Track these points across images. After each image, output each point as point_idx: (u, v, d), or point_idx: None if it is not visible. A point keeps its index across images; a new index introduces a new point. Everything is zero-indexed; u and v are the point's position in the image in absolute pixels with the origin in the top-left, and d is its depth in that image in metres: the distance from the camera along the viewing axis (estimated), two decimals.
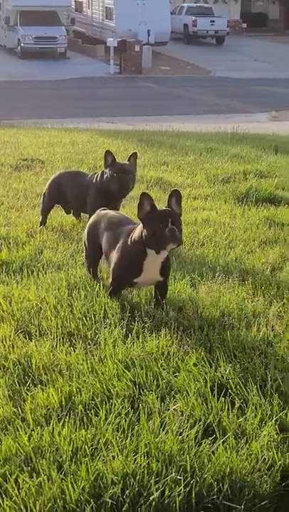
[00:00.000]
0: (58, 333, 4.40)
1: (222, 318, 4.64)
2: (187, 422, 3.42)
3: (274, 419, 3.45)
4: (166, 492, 2.96)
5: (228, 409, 3.53)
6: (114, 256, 4.77)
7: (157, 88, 30.80)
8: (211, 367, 3.96)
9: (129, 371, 3.90)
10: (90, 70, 35.45)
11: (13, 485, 2.99)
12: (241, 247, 6.24)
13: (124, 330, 4.40)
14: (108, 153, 6.10)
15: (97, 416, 3.49)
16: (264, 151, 12.14)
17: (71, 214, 6.98)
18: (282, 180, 9.24)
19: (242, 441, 3.30)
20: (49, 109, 22.91)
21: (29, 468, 3.11)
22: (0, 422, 3.46)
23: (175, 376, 3.87)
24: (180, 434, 3.31)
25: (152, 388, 3.74)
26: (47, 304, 4.83)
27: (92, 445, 3.27)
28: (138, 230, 4.60)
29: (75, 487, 2.97)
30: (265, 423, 3.43)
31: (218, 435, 3.33)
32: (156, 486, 2.98)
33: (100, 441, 3.27)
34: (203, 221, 7.12)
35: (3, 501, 2.93)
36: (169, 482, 3.00)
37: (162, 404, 3.61)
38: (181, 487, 2.98)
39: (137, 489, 2.97)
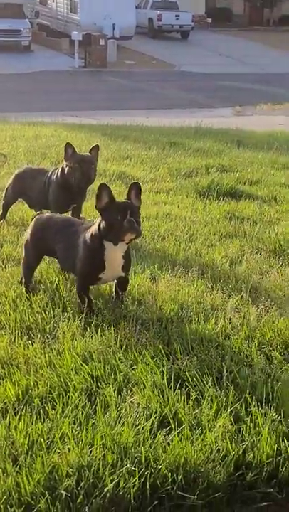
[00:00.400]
0: (16, 327, 4.41)
1: (181, 311, 4.67)
2: (143, 414, 3.45)
3: (229, 410, 3.49)
4: (121, 483, 2.99)
5: (184, 401, 3.57)
6: (76, 256, 4.71)
7: (122, 82, 30.76)
8: (168, 359, 3.99)
9: (87, 364, 3.92)
10: (55, 63, 35.25)
11: None
12: (201, 240, 6.28)
13: (82, 323, 4.41)
14: (68, 145, 6.07)
15: (54, 409, 3.51)
16: (227, 145, 12.21)
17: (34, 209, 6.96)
18: (243, 174, 9.32)
19: (197, 433, 3.34)
20: (13, 103, 22.74)
21: None
22: None
23: (133, 369, 3.90)
24: (136, 426, 3.34)
25: (110, 381, 3.77)
26: (6, 298, 4.83)
27: (48, 438, 3.28)
28: (95, 224, 4.59)
29: (30, 480, 2.99)
30: (221, 414, 3.47)
31: (173, 427, 3.37)
32: (111, 478, 3.00)
33: (56, 434, 3.29)
34: (165, 215, 7.16)
35: None
36: (123, 473, 3.03)
37: (119, 396, 3.64)
38: (136, 478, 3.01)
39: (91, 481, 2.99)
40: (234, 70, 35.66)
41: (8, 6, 38.44)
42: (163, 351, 4.06)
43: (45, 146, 11.31)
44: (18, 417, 3.42)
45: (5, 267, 5.40)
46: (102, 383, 3.75)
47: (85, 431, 3.29)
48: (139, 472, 3.04)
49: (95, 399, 3.62)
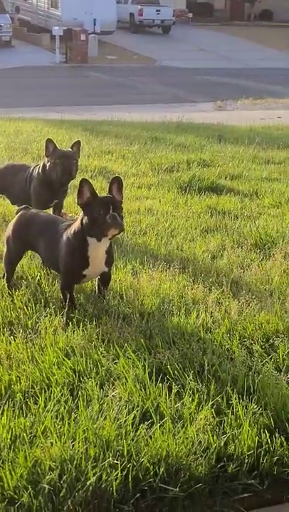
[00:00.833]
0: None
1: (162, 305, 4.70)
2: (125, 408, 3.47)
3: (210, 403, 3.52)
4: (104, 476, 3.01)
5: (166, 394, 3.60)
6: (59, 254, 4.70)
7: (103, 77, 30.72)
8: (150, 353, 4.02)
9: (69, 359, 3.93)
10: (36, 58, 35.14)
11: None
12: (183, 235, 6.31)
13: (64, 318, 4.42)
14: (49, 141, 6.06)
15: (37, 404, 3.53)
16: (208, 140, 12.24)
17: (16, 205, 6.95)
18: (224, 169, 9.35)
19: (179, 426, 3.36)
20: None
21: None
22: None
23: (114, 363, 3.92)
24: (118, 420, 3.36)
25: (92, 375, 3.79)
26: None
27: (30, 432, 3.30)
28: (77, 221, 4.58)
29: (13, 474, 3.00)
30: (202, 407, 3.50)
31: (155, 420, 3.39)
32: (94, 471, 3.02)
33: (39, 428, 3.30)
34: (146, 210, 7.18)
35: None
36: (106, 467, 3.05)
37: (101, 391, 3.65)
38: (118, 471, 3.03)
39: (74, 474, 3.01)
40: (215, 64, 35.72)
41: None
42: (145, 345, 4.08)
43: (26, 142, 11.29)
44: (0, 412, 3.43)
45: None
46: (84, 378, 3.77)
47: (67, 425, 3.31)
48: (121, 465, 3.06)
49: (77, 393, 3.64)
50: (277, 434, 3.36)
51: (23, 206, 5.23)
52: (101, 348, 4.06)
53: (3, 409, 3.45)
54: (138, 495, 3.00)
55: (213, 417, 3.44)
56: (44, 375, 3.78)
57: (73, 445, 3.17)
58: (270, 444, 3.30)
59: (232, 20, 55.80)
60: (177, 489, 3.02)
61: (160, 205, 7.41)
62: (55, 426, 3.32)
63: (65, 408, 3.47)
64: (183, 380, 3.75)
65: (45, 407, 3.48)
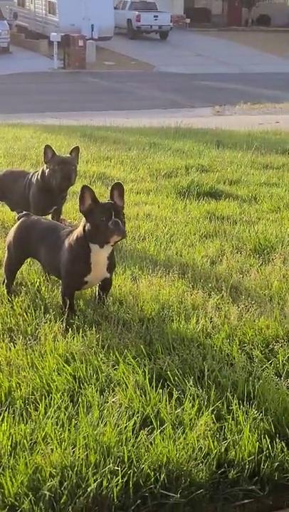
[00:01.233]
0: None
1: (162, 311, 4.70)
2: (126, 414, 3.47)
3: (211, 408, 3.52)
4: (104, 483, 3.01)
5: (166, 400, 3.60)
6: (60, 260, 4.71)
7: (101, 83, 30.76)
8: (150, 359, 4.02)
9: (69, 365, 3.93)
10: (34, 64, 35.20)
11: None
12: (182, 241, 6.31)
13: (64, 325, 4.42)
14: (48, 147, 6.07)
15: (37, 410, 3.53)
16: (206, 145, 12.25)
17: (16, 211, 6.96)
18: (223, 174, 9.36)
19: (179, 432, 3.36)
20: None
21: None
22: None
23: (114, 369, 3.92)
24: (118, 426, 3.36)
25: (92, 382, 3.79)
26: None
27: (31, 439, 3.30)
28: (79, 227, 4.58)
29: (14, 481, 3.00)
30: (202, 413, 3.50)
31: (155, 426, 3.39)
32: (94, 478, 3.02)
33: (39, 435, 3.30)
34: (145, 215, 7.18)
35: None
36: (106, 473, 3.05)
37: (101, 397, 3.65)
38: (119, 477, 3.03)
39: (75, 481, 3.01)
40: (213, 69, 35.81)
41: None
42: (144, 351, 4.08)
43: (25, 148, 11.31)
44: (0, 418, 3.43)
45: None
46: (85, 384, 3.77)
47: (67, 431, 3.31)
48: (122, 472, 3.06)
49: (78, 399, 3.63)
50: (277, 440, 3.36)
51: (24, 213, 5.23)
52: (101, 354, 4.06)
53: (4, 416, 3.45)
54: (139, 501, 3.00)
55: (213, 422, 3.44)
56: (44, 381, 3.78)
57: (74, 452, 3.17)
58: (270, 449, 3.30)
59: (229, 26, 55.91)
60: (178, 495, 3.02)
61: (159, 210, 7.42)
62: (55, 432, 3.31)
63: (65, 414, 3.46)
64: (183, 385, 3.74)
65: (45, 413, 3.48)
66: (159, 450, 3.19)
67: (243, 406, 3.58)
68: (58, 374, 3.85)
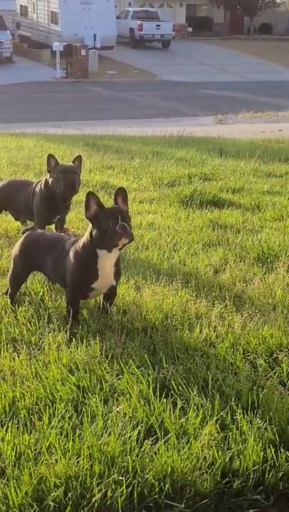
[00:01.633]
0: (1, 339, 4.42)
1: (165, 320, 4.70)
2: (130, 424, 3.46)
3: (215, 418, 3.51)
4: (109, 493, 3.00)
5: (170, 409, 3.59)
6: (67, 270, 4.72)
7: (104, 92, 30.83)
8: (154, 369, 4.01)
9: (73, 375, 3.93)
10: (36, 74, 35.32)
11: None
12: (185, 249, 6.31)
13: (68, 334, 4.42)
14: (51, 156, 6.09)
15: (41, 420, 3.52)
16: (209, 154, 12.27)
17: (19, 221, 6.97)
18: (226, 182, 9.37)
19: (183, 441, 3.36)
20: None
21: None
22: None
23: (118, 379, 3.91)
24: (122, 436, 3.36)
25: (96, 391, 3.78)
26: None
27: (35, 449, 3.29)
28: (86, 235, 4.59)
29: (18, 491, 2.99)
30: (207, 422, 3.49)
31: (160, 436, 3.38)
32: (99, 488, 3.02)
33: (43, 445, 3.30)
34: (148, 224, 7.19)
35: None
36: (111, 483, 3.04)
37: (105, 406, 3.65)
38: (123, 488, 3.03)
39: (79, 491, 3.01)
40: (215, 78, 35.89)
41: None
42: (148, 361, 4.07)
43: (28, 157, 11.33)
44: (4, 428, 3.43)
45: None
46: (89, 394, 3.76)
47: (71, 441, 3.31)
48: (126, 482, 3.06)
49: (82, 409, 3.63)
50: (282, 449, 3.35)
51: (30, 227, 5.27)
52: (105, 364, 4.06)
53: (8, 426, 3.45)
54: (143, 511, 3.00)
55: (217, 432, 3.44)
56: (48, 391, 3.78)
57: (78, 462, 3.17)
58: (275, 459, 3.29)
59: (231, 34, 56.14)
60: (183, 505, 3.01)
61: (162, 219, 7.42)
62: (59, 442, 3.31)
63: (69, 424, 3.46)
64: (187, 395, 3.74)
65: (49, 423, 3.48)
66: (163, 460, 3.19)
67: (248, 415, 3.57)
68: (62, 384, 3.85)
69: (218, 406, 3.62)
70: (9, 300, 5.00)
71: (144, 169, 10.43)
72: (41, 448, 3.28)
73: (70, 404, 3.67)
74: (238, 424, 3.49)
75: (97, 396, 3.71)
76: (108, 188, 8.93)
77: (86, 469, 3.12)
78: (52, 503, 2.94)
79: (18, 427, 3.46)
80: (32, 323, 4.61)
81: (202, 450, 3.29)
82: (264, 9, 57.73)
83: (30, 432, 3.42)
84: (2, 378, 3.94)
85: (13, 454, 3.24)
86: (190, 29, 53.29)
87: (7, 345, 4.36)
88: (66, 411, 3.58)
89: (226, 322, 4.69)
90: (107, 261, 4.55)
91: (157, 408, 3.59)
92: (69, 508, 2.93)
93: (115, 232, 4.37)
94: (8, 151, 12.37)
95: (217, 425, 3.47)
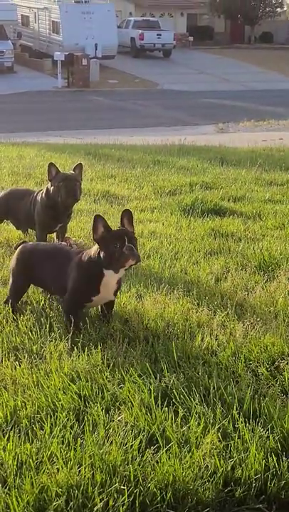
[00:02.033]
0: (3, 348, 4.41)
1: (167, 329, 4.70)
2: (131, 433, 3.46)
3: (216, 427, 3.50)
4: (110, 502, 3.00)
5: (172, 418, 3.58)
6: (68, 279, 4.75)
7: (105, 101, 30.91)
8: (155, 377, 4.00)
9: (74, 384, 3.93)
10: (38, 84, 35.42)
11: None
12: (187, 258, 6.31)
13: (69, 343, 4.42)
14: (51, 165, 6.10)
15: (42, 429, 3.52)
16: (210, 162, 12.28)
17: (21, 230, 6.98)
18: (227, 191, 9.37)
19: (185, 450, 3.35)
20: None
21: None
22: None
23: (120, 387, 3.91)
24: (124, 445, 3.35)
25: (97, 400, 3.78)
26: None
27: (37, 459, 3.29)
28: (92, 251, 4.65)
29: (20, 501, 2.99)
30: (208, 431, 3.49)
31: (161, 444, 3.38)
32: (101, 497, 3.01)
33: (45, 454, 3.29)
34: (150, 233, 7.19)
35: None
36: (112, 492, 3.04)
37: (107, 415, 3.64)
38: (125, 497, 3.02)
39: (81, 500, 3.00)
40: (216, 87, 35.98)
41: None
42: (150, 369, 4.07)
43: (30, 167, 11.35)
44: (6, 438, 3.42)
45: None
46: (90, 402, 3.76)
47: (73, 450, 3.30)
48: (128, 491, 3.05)
49: (83, 418, 3.63)
50: (284, 458, 3.34)
51: (21, 241, 5.31)
52: (106, 373, 4.05)
53: (9, 435, 3.44)
54: None
55: (219, 441, 3.43)
56: (50, 400, 3.77)
57: (80, 471, 3.16)
58: (277, 467, 3.28)
59: (232, 43, 56.31)
60: None
61: (163, 228, 7.43)
62: (61, 451, 3.31)
63: (71, 433, 3.46)
64: (189, 403, 3.73)
65: (51, 432, 3.47)
66: (165, 469, 3.18)
67: (249, 424, 3.57)
68: (64, 393, 3.84)
69: (220, 414, 3.62)
70: (11, 309, 5.00)
71: (145, 178, 10.45)
72: (43, 457, 3.28)
73: (71, 413, 3.67)
74: (239, 432, 3.48)
75: (98, 405, 3.71)
76: (109, 197, 8.94)
77: (88, 478, 3.11)
78: None
79: (19, 436, 3.45)
80: (33, 332, 4.60)
81: (204, 459, 3.28)
82: (265, 18, 57.91)
83: (32, 441, 3.41)
84: (3, 387, 3.93)
85: (15, 463, 3.24)
86: (191, 38, 53.45)
87: (8, 354, 4.35)
88: (68, 420, 3.58)
89: (228, 330, 4.69)
90: (111, 280, 4.65)
91: (159, 417, 3.59)
92: None
93: (122, 253, 4.46)
94: (9, 160, 12.39)
95: (219, 434, 3.46)
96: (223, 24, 59.84)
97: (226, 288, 5.53)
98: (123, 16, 50.54)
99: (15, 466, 3.22)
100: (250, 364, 4.25)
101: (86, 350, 4.31)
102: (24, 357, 4.28)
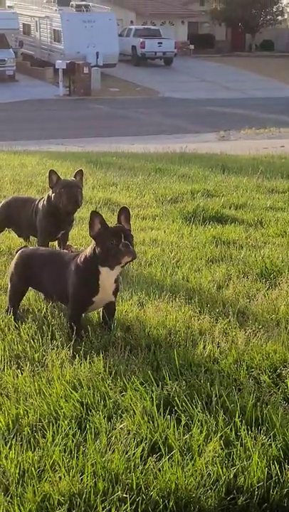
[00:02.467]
0: (5, 356, 4.41)
1: (169, 336, 4.70)
2: (134, 441, 3.45)
3: (219, 434, 3.50)
4: (113, 510, 2.99)
5: (174, 426, 3.57)
6: (67, 285, 4.77)
7: (106, 110, 30.98)
8: (157, 385, 4.00)
9: (76, 392, 3.92)
10: (40, 92, 35.52)
11: None
12: (188, 265, 6.31)
13: (71, 351, 4.42)
14: (52, 172, 6.11)
15: (44, 437, 3.51)
16: (211, 170, 12.29)
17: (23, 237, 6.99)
18: (229, 199, 9.38)
19: (187, 458, 3.34)
20: None
21: None
22: None
23: (122, 395, 3.90)
24: (126, 453, 3.35)
25: (99, 408, 3.77)
26: None
27: (39, 467, 3.28)
28: (88, 250, 4.66)
29: (22, 509, 2.98)
30: (211, 439, 3.48)
31: (164, 452, 3.37)
32: (103, 505, 3.01)
33: (47, 462, 3.29)
34: (152, 241, 7.20)
35: None
36: (115, 501, 3.03)
37: (109, 423, 3.64)
38: (128, 505, 3.01)
39: (83, 509, 2.99)
40: (217, 95, 36.08)
41: None
42: (152, 377, 4.06)
43: (31, 175, 11.37)
44: (8, 446, 3.42)
45: None
46: (92, 410, 3.75)
47: (75, 459, 3.30)
48: (130, 499, 3.04)
49: (85, 426, 3.62)
50: (287, 466, 3.33)
51: (22, 246, 5.33)
52: (108, 381, 4.05)
53: (11, 444, 3.44)
54: None
55: (221, 448, 3.42)
56: (52, 408, 3.77)
57: (82, 479, 3.16)
58: (279, 475, 3.27)
59: (233, 51, 56.43)
60: None
61: (165, 235, 7.43)
62: (63, 460, 3.30)
63: (73, 441, 3.45)
64: (191, 411, 3.73)
65: (53, 440, 3.46)
66: (167, 477, 3.17)
67: (252, 431, 3.56)
68: (66, 401, 3.84)
69: (222, 422, 3.61)
70: (12, 317, 5.01)
71: (147, 186, 10.46)
72: (45, 465, 3.27)
73: (73, 421, 3.66)
74: (242, 440, 3.47)
75: (100, 413, 3.70)
76: (111, 205, 8.95)
77: (90, 486, 3.10)
78: None
79: (21, 444, 3.45)
80: (35, 340, 4.60)
81: (206, 467, 3.27)
82: (265, 26, 58.08)
83: (34, 449, 3.41)
84: (5, 395, 3.93)
85: (17, 471, 3.23)
86: (192, 46, 53.61)
87: (10, 362, 4.35)
88: (70, 428, 3.57)
89: (230, 338, 4.69)
90: (108, 277, 4.65)
91: (161, 425, 3.58)
92: None
93: (118, 250, 4.47)
94: (11, 168, 12.41)
95: (221, 441, 3.46)
96: (224, 32, 60.01)
97: (228, 295, 5.53)
98: (124, 25, 50.68)
99: (17, 475, 3.21)
100: (253, 372, 4.24)
101: (88, 358, 4.30)
102: (26, 365, 4.27)
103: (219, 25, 58.79)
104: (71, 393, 3.90)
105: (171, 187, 10.30)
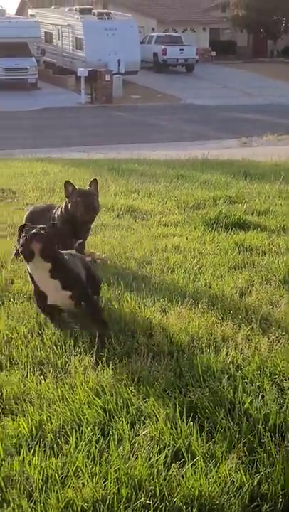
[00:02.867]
0: (28, 363, 4.43)
1: (191, 343, 4.69)
2: (157, 447, 3.45)
3: (242, 441, 3.49)
4: None
5: (197, 433, 3.57)
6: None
7: (128, 117, 31.06)
8: (180, 392, 4.00)
9: (99, 398, 3.93)
10: (61, 100, 35.68)
11: None
12: (211, 272, 6.30)
13: (94, 357, 4.43)
14: (68, 183, 6.16)
15: (68, 444, 3.52)
16: (234, 176, 12.26)
17: None
18: (251, 205, 9.35)
19: (211, 465, 3.33)
20: (21, 140, 22.98)
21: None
22: None
23: (145, 402, 3.90)
24: (149, 460, 3.35)
25: (122, 414, 3.77)
26: (17, 333, 4.85)
27: (62, 473, 3.29)
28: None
29: None
30: (234, 446, 3.47)
31: (187, 459, 3.37)
32: None
33: (70, 468, 3.30)
34: (174, 247, 7.19)
35: None
36: (138, 507, 3.03)
37: (132, 430, 3.64)
38: (151, 511, 3.01)
39: None
40: (239, 101, 36.02)
41: (14, 45, 39.05)
42: (175, 383, 4.06)
43: (54, 182, 11.41)
44: (32, 452, 3.43)
45: (16, 303, 5.43)
46: (115, 417, 3.76)
47: (98, 465, 3.30)
48: (153, 505, 3.04)
49: (108, 433, 3.62)
50: None
51: None
52: (131, 387, 4.05)
53: (35, 450, 3.45)
54: None
55: (245, 455, 3.41)
56: (75, 414, 3.78)
57: (105, 485, 3.16)
58: None
59: (255, 58, 56.35)
60: None
61: (187, 242, 7.43)
62: (86, 466, 3.31)
63: (96, 448, 3.46)
64: (214, 418, 3.72)
65: (76, 447, 3.47)
66: (190, 483, 3.17)
67: (275, 438, 3.54)
68: (89, 407, 3.85)
69: (246, 429, 3.60)
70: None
71: (168, 192, 10.45)
72: (68, 471, 3.28)
73: (96, 427, 3.67)
74: (265, 447, 3.46)
75: (123, 419, 3.71)
76: (133, 212, 8.96)
77: (113, 493, 3.11)
78: None
79: (45, 451, 3.46)
80: (58, 347, 4.62)
81: (230, 474, 3.26)
82: (287, 32, 57.96)
83: (57, 456, 3.42)
84: (29, 401, 3.94)
85: (40, 477, 3.24)
86: (213, 53, 53.62)
87: (34, 368, 4.37)
88: (93, 434, 3.58)
89: (253, 345, 4.67)
90: (36, 273, 4.75)
91: (184, 431, 3.58)
92: None
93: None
94: (34, 175, 12.48)
95: (245, 448, 3.45)
96: (246, 38, 59.96)
97: (251, 302, 5.52)
98: (146, 32, 50.82)
99: (40, 481, 3.22)
100: (276, 378, 4.22)
101: (111, 364, 4.31)
102: (49, 371, 4.29)
103: (241, 32, 58.74)
104: (94, 399, 3.91)
105: (193, 193, 10.29)
